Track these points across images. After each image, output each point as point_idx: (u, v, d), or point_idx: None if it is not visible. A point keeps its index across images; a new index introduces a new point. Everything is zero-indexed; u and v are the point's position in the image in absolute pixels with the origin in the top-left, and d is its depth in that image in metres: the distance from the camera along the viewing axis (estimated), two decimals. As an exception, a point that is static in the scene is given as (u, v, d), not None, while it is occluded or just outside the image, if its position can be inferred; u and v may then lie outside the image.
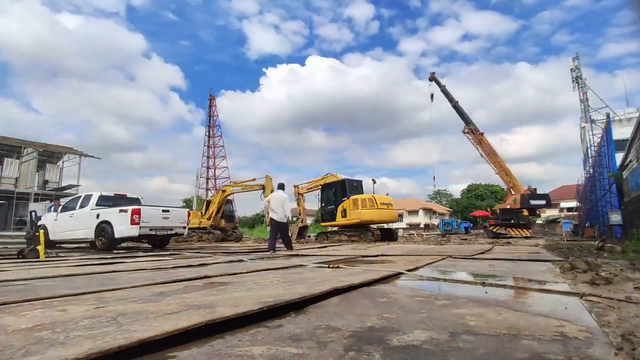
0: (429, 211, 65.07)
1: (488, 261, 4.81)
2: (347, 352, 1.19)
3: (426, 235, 25.65)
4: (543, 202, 21.58)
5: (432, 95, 27.89)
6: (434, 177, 29.97)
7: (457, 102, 26.03)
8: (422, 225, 58.18)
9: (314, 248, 9.29)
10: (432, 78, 27.41)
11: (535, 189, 21.94)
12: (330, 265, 4.07)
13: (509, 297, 2.25)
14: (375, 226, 16.74)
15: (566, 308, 1.89)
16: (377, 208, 15.73)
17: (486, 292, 2.38)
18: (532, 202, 21.08)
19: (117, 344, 1.14)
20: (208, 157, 41.50)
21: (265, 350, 1.21)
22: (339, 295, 2.29)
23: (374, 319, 1.65)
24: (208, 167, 41.08)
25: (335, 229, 17.48)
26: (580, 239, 15.34)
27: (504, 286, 2.72)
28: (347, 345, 1.27)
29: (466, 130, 24.88)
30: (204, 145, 42.93)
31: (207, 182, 41.36)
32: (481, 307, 1.90)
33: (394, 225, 23.15)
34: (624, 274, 3.12)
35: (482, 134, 24.36)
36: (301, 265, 4.32)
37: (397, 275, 3.34)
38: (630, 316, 1.72)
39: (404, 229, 50.90)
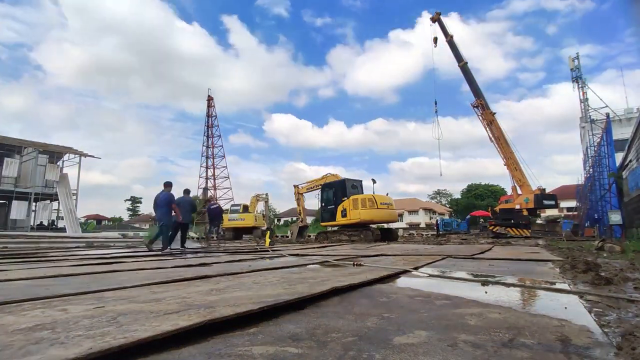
0: (429, 211, 64.74)
1: (488, 261, 4.81)
2: (347, 351, 1.19)
3: (426, 235, 25.65)
4: (553, 202, 20.87)
5: (435, 39, 23.55)
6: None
7: (467, 63, 22.07)
8: (422, 225, 57.67)
9: (313, 248, 9.29)
10: (436, 19, 23.06)
11: (544, 189, 21.16)
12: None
13: (509, 297, 2.25)
14: (375, 226, 16.74)
15: (566, 308, 1.89)
16: (377, 208, 15.72)
17: (486, 292, 2.38)
18: (545, 202, 20.25)
19: (118, 343, 1.14)
20: (207, 158, 41.64)
21: (265, 350, 1.21)
22: (339, 295, 2.29)
23: (374, 319, 1.65)
24: (207, 167, 41.26)
25: (335, 228, 17.49)
26: (580, 239, 15.30)
27: (503, 285, 2.72)
28: (347, 345, 1.27)
29: (476, 104, 21.84)
30: (203, 146, 42.97)
31: (207, 182, 41.44)
32: (481, 307, 1.90)
33: (394, 225, 22.80)
34: (624, 274, 3.12)
35: (494, 114, 21.67)
36: (301, 265, 4.32)
37: (397, 275, 3.34)
38: (630, 316, 1.72)
39: (404, 228, 50.92)
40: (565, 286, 2.63)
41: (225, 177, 40.29)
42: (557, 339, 1.33)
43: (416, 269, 3.74)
